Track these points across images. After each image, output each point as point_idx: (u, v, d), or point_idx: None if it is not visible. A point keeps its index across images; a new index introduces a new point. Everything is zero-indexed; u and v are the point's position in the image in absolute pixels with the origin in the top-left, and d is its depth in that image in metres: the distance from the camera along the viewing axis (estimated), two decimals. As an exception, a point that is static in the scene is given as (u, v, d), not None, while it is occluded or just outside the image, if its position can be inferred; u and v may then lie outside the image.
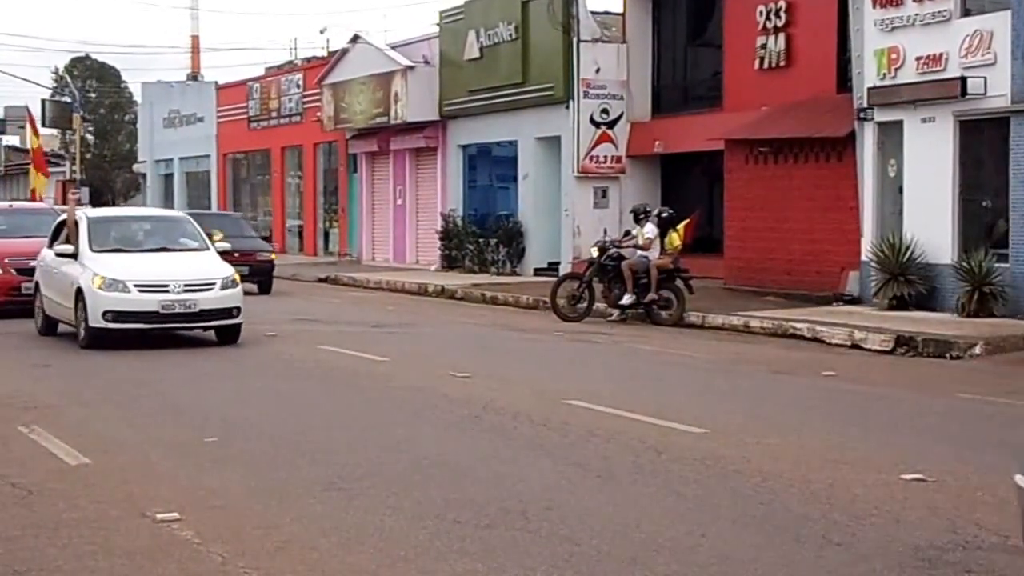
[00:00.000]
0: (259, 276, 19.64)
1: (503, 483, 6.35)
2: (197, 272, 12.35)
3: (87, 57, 49.27)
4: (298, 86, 30.64)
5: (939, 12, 14.45)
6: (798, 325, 13.73)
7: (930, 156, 14.67)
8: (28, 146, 27.91)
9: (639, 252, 15.34)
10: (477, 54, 23.46)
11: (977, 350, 12.01)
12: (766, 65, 18.30)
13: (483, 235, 23.59)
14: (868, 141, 15.62)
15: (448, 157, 25.12)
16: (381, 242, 27.72)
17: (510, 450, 7.23)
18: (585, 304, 15.59)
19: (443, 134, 25.11)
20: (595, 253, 15.78)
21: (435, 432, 7.83)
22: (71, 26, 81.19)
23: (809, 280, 16.52)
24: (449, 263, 24.31)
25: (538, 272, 22.16)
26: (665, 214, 15.75)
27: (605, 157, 21.41)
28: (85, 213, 13.50)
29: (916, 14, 14.72)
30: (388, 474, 6.59)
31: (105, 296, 11.93)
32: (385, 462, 6.89)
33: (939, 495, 6.08)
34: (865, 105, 15.49)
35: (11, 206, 19.12)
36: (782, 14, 18.00)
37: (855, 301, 15.61)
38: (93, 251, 12.55)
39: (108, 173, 46.55)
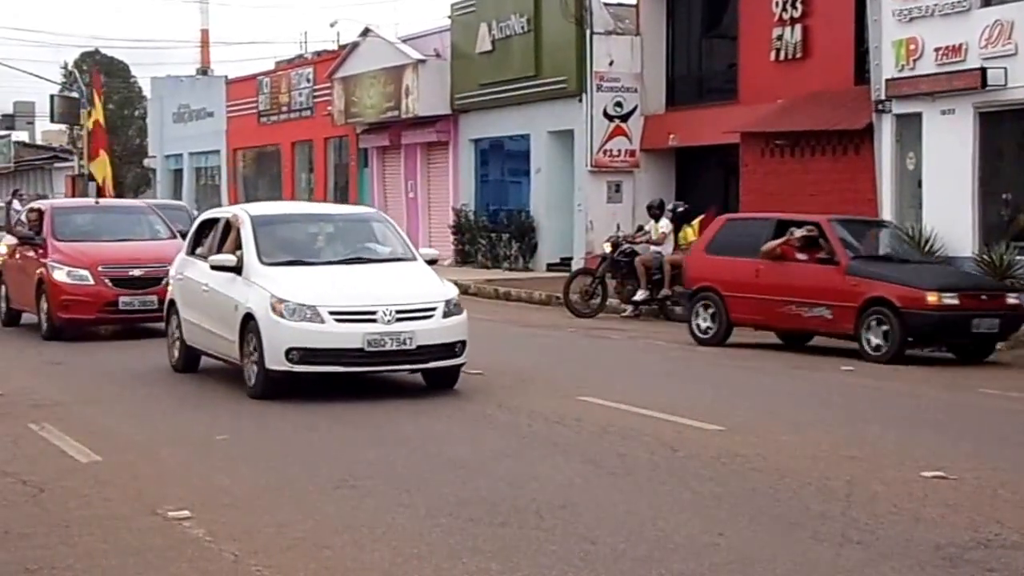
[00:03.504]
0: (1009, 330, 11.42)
1: (517, 481, 6.30)
2: (411, 293, 8.93)
3: (96, 52, 49.29)
4: (308, 80, 30.61)
5: (958, 2, 14.31)
6: (815, 320, 13.57)
7: (950, 148, 14.54)
8: (84, 126, 23.38)
9: (653, 247, 15.25)
10: (489, 47, 23.38)
11: (999, 345, 11.87)
12: (782, 57, 18.16)
13: (495, 230, 23.53)
14: (886, 134, 15.48)
15: (460, 151, 25.07)
16: (393, 237, 27.66)
17: (523, 447, 7.18)
18: (598, 300, 15.51)
19: (455, 128, 25.05)
20: (608, 249, 15.70)
21: (447, 429, 7.77)
22: (80, 21, 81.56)
23: (826, 274, 16.36)
24: (462, 258, 24.26)
25: (551, 267, 22.08)
26: (680, 208, 15.65)
27: (619, 151, 21.30)
28: (247, 211, 9.94)
29: (935, 4, 14.57)
30: (400, 472, 6.55)
31: (290, 327, 8.56)
32: (397, 460, 6.85)
33: (960, 493, 6.02)
34: (883, 97, 15.35)
35: (97, 203, 16.07)
36: (798, 5, 17.85)
37: (873, 295, 15.44)
38: (264, 263, 9.12)
39: (118, 168, 46.63)
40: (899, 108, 15.23)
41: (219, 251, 9.61)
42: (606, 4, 21.68)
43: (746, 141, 18.07)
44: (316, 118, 29.87)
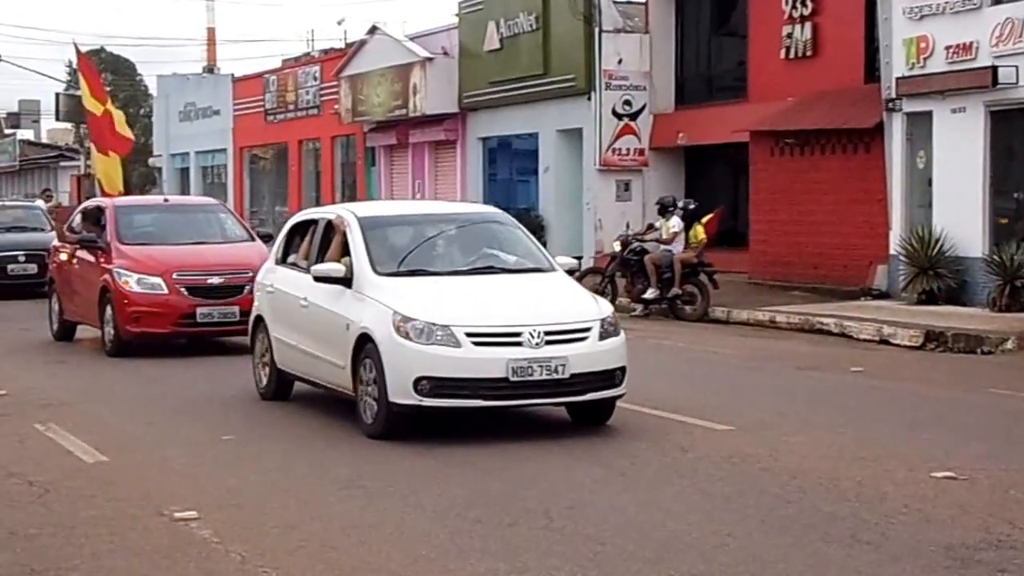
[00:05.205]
0: None
1: (526, 481, 6.28)
2: (560, 310, 7.48)
3: (102, 50, 49.32)
4: (315, 78, 30.60)
5: (968, 0, 14.21)
6: (825, 320, 13.58)
7: (960, 147, 14.46)
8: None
9: (663, 246, 15.21)
10: (497, 45, 23.34)
11: (1009, 345, 11.82)
12: (792, 55, 18.10)
13: (504, 229, 23.44)
14: (897, 132, 15.41)
15: (468, 150, 25.05)
16: (401, 236, 27.60)
17: (533, 448, 7.14)
18: (608, 299, 15.45)
19: (463, 126, 25.03)
20: (617, 247, 15.65)
21: (455, 430, 7.73)
22: (86, 18, 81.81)
23: (836, 274, 16.35)
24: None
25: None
26: (691, 206, 15.62)
27: (628, 150, 21.26)
28: (353, 212, 8.38)
29: (945, 2, 14.49)
30: (408, 473, 6.54)
31: (419, 352, 7.13)
32: (404, 461, 6.83)
33: (970, 493, 5.98)
34: (893, 95, 15.28)
35: (166, 200, 14.45)
36: (808, 3, 17.79)
37: (883, 295, 15.43)
38: (379, 274, 7.71)
39: (124, 167, 46.71)
40: (909, 106, 15.15)
41: (320, 259, 8.18)
42: (615, 2, 21.61)
43: (755, 140, 18.02)
44: (323, 116, 29.87)
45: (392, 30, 26.83)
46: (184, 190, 37.38)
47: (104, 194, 17.91)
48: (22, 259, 17.89)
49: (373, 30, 27.13)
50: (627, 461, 6.73)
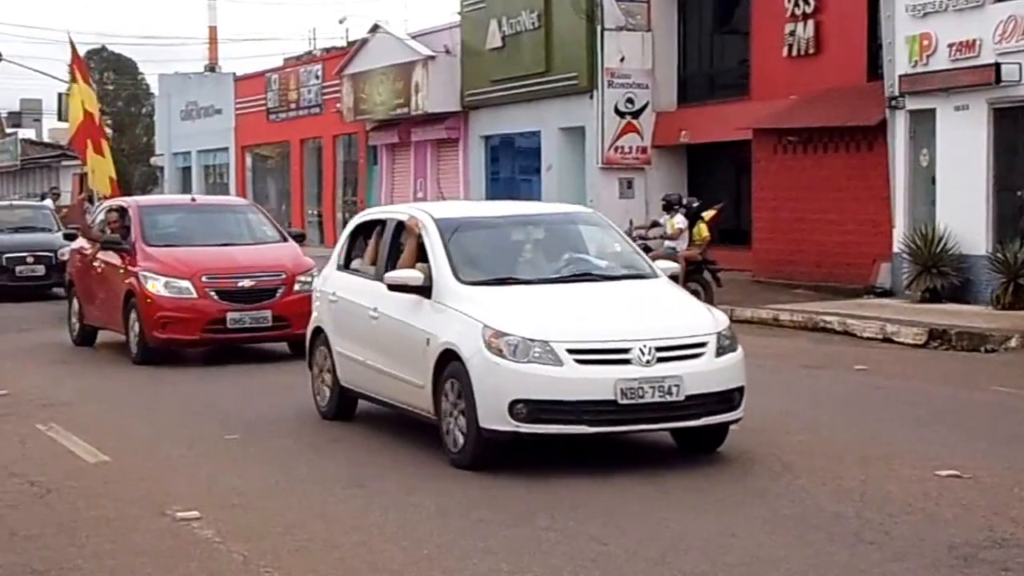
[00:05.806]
0: None
1: (527, 482, 6.27)
2: (670, 322, 6.64)
3: (104, 49, 49.34)
4: (317, 77, 30.60)
5: (971, -3, 14.19)
6: (828, 318, 13.55)
7: (963, 145, 14.43)
8: (67, 117, 18.92)
9: (667, 243, 15.18)
10: (499, 43, 23.33)
11: (1012, 343, 11.78)
12: (795, 53, 18.08)
13: (507, 227, 23.41)
14: (900, 130, 15.38)
15: (470, 148, 25.04)
16: (403, 235, 27.58)
17: (534, 449, 7.11)
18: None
19: (465, 125, 25.02)
20: (620, 245, 15.61)
21: (458, 427, 7.73)
22: (87, 17, 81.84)
23: (840, 272, 16.33)
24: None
25: (562, 264, 21.99)
26: (695, 204, 15.61)
27: (630, 148, 21.24)
28: (429, 213, 7.48)
29: (948, -1, 14.48)
30: (410, 473, 6.53)
31: (515, 371, 6.31)
32: (406, 460, 6.83)
33: (974, 492, 5.96)
34: (896, 93, 15.25)
35: (194, 200, 13.61)
36: (811, 0, 17.77)
37: (887, 293, 15.41)
38: (462, 283, 6.86)
39: (126, 167, 46.78)
40: (912, 104, 15.13)
41: (390, 265, 7.34)
42: (617, 0, 21.61)
43: (758, 138, 18.00)
44: (325, 115, 29.87)
45: (394, 28, 26.83)
46: (186, 189, 37.36)
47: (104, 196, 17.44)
48: (30, 260, 17.77)
49: (375, 28, 27.13)
50: (629, 460, 6.71)
